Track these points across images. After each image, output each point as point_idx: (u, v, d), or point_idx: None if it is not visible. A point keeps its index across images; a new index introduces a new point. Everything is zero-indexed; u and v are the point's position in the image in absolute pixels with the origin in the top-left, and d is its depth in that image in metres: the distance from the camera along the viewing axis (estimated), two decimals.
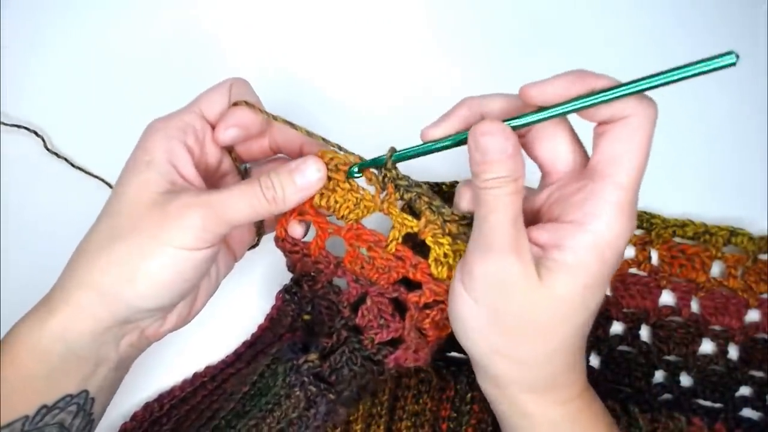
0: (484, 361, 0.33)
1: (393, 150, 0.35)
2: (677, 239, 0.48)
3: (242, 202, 0.34)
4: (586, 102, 0.29)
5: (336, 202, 0.36)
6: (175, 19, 0.58)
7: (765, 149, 0.51)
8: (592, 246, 0.29)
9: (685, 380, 0.46)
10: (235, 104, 0.37)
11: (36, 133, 0.53)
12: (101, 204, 0.36)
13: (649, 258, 0.48)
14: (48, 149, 0.53)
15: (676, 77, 0.27)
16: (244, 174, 0.41)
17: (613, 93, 0.28)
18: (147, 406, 0.46)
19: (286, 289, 0.46)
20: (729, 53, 0.25)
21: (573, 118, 0.32)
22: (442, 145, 0.34)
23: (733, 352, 0.46)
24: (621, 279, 0.48)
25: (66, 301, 0.32)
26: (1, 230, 0.52)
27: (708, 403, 0.45)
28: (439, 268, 0.35)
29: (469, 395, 0.44)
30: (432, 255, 0.35)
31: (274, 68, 0.56)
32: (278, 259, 0.41)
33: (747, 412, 0.45)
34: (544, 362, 0.32)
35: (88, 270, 0.32)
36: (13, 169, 0.54)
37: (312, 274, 0.41)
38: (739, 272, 0.47)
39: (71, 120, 0.55)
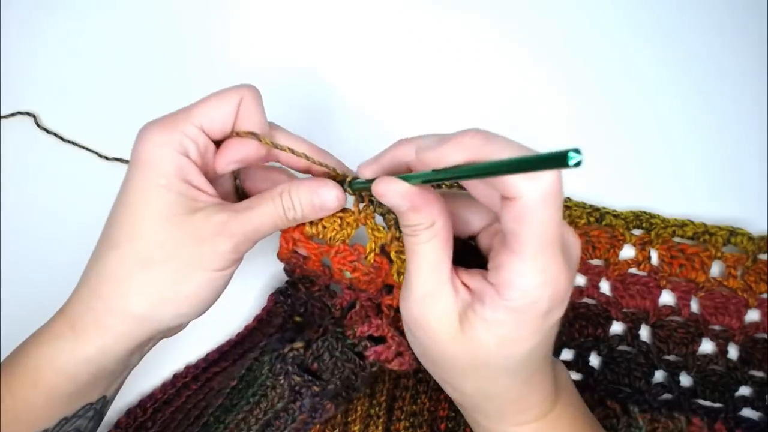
0: (444, 387, 0.36)
1: (354, 176, 0.36)
2: (677, 239, 0.48)
3: (268, 223, 0.35)
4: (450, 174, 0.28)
5: (324, 227, 0.38)
6: (173, 15, 0.58)
7: (765, 149, 0.51)
8: (508, 309, 0.29)
9: (685, 380, 0.46)
10: (240, 133, 0.35)
11: (34, 118, 0.52)
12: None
13: (649, 258, 0.48)
14: (47, 128, 0.53)
15: (513, 168, 0.25)
16: (239, 186, 0.40)
17: (471, 172, 0.27)
18: (130, 412, 0.45)
19: (279, 291, 0.47)
20: (576, 150, 0.21)
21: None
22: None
23: (733, 352, 0.46)
24: (621, 279, 0.48)
25: (98, 325, 0.33)
26: (1, 230, 0.52)
27: (708, 403, 0.45)
28: (401, 278, 0.37)
29: None
30: (394, 267, 0.38)
31: (268, 59, 0.56)
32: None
33: (747, 412, 0.44)
34: (487, 395, 0.33)
35: (120, 296, 0.33)
36: (13, 170, 0.54)
37: (311, 277, 0.42)
38: (739, 272, 0.47)
39: (73, 121, 0.55)
